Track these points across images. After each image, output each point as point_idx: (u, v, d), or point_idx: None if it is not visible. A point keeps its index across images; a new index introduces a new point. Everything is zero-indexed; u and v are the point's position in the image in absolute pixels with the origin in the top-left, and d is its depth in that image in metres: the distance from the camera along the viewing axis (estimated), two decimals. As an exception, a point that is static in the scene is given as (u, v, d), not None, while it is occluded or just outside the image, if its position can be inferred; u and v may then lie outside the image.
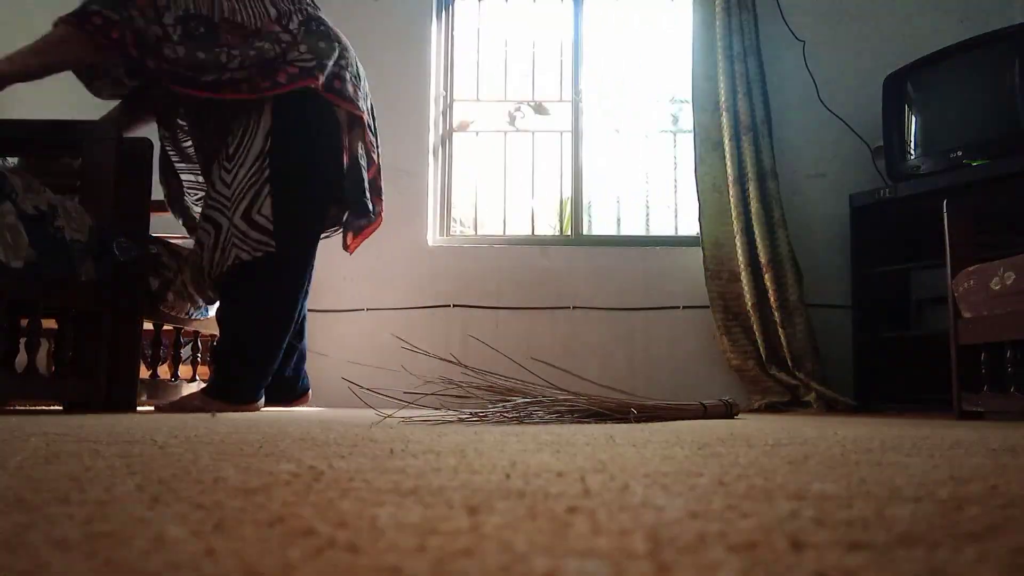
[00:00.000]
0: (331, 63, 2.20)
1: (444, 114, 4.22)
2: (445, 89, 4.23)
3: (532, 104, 4.28)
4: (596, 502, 0.51)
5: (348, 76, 2.29)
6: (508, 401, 1.71)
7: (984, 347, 2.38)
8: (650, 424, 1.69)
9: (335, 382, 2.71)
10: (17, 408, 2.44)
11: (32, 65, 2.09)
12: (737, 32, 3.78)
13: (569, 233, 4.15)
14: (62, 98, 3.67)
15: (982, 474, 0.70)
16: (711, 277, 3.74)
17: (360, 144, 2.36)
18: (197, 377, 2.89)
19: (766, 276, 3.63)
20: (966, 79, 3.28)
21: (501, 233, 4.15)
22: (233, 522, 0.42)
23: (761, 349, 3.61)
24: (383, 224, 4.03)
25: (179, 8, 2.10)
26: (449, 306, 3.92)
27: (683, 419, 1.93)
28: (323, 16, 2.35)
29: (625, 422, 1.71)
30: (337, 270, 4.00)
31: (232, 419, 1.86)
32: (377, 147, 2.43)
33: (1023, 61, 2.99)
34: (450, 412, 1.72)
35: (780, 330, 3.59)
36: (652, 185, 4.18)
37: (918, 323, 3.40)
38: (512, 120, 4.30)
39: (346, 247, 2.62)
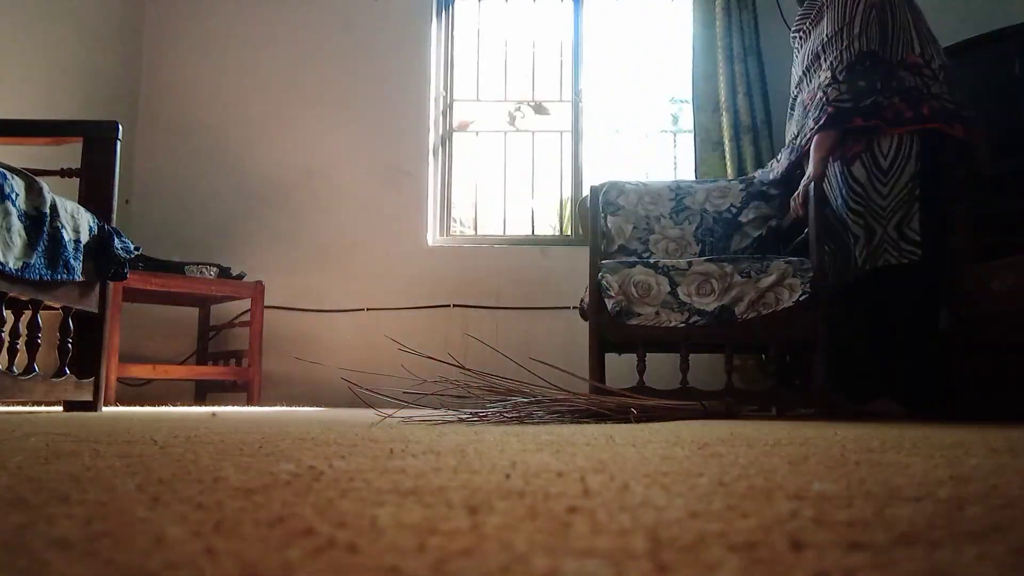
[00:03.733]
0: (966, 112, 2.47)
1: (444, 114, 4.22)
2: (445, 89, 4.23)
3: (532, 104, 4.28)
4: (596, 502, 0.51)
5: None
6: (508, 401, 1.71)
7: (985, 347, 2.38)
8: (650, 424, 1.69)
9: (335, 382, 2.71)
10: (17, 408, 2.44)
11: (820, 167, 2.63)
12: (737, 32, 3.78)
13: (569, 233, 4.15)
14: (64, 97, 3.68)
15: (982, 474, 0.70)
16: (711, 277, 3.74)
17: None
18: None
19: (766, 276, 3.62)
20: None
21: (501, 233, 4.15)
22: (233, 522, 0.42)
23: (761, 349, 3.61)
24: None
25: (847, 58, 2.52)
26: (449, 306, 3.92)
27: (683, 419, 1.93)
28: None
29: (625, 422, 1.71)
30: (337, 270, 4.01)
31: (232, 419, 1.86)
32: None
33: (1023, 61, 2.99)
34: (450, 412, 1.72)
35: (780, 330, 3.59)
36: (652, 185, 4.17)
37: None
38: (512, 120, 4.30)
39: None
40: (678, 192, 3.06)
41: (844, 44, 2.51)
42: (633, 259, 2.72)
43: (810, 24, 2.74)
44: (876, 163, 2.50)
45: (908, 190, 2.46)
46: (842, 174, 2.61)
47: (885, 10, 2.50)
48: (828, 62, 2.56)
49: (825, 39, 2.60)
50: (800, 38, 2.81)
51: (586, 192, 4.11)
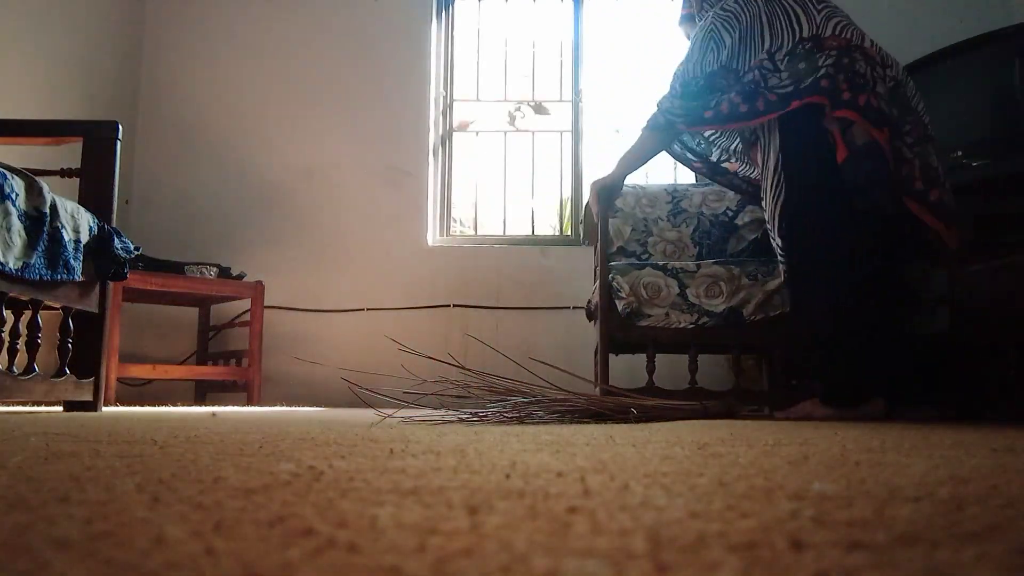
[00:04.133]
0: (812, 79, 2.28)
1: (444, 114, 4.22)
2: (445, 89, 4.23)
3: (532, 104, 4.28)
4: (596, 502, 0.51)
5: (840, 80, 2.28)
6: (508, 401, 1.71)
7: (984, 347, 2.37)
8: (650, 424, 1.69)
9: (335, 382, 2.71)
10: (17, 408, 2.44)
11: (631, 166, 2.64)
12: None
13: (569, 233, 4.15)
14: (64, 97, 3.67)
15: (982, 474, 0.70)
16: (711, 277, 3.74)
17: (864, 136, 2.30)
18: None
19: (766, 276, 3.62)
20: (966, 79, 3.28)
21: (501, 233, 4.15)
22: (233, 522, 0.42)
23: (761, 349, 3.61)
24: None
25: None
26: (449, 306, 3.92)
27: (683, 419, 1.93)
28: (832, 25, 2.38)
29: (625, 422, 1.71)
30: (337, 270, 4.01)
31: (232, 419, 1.86)
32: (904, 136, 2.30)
33: (1023, 61, 2.99)
34: (450, 412, 1.72)
35: (780, 330, 3.59)
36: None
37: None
38: (512, 120, 4.30)
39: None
40: (675, 195, 3.08)
41: (685, 69, 2.46)
42: (642, 261, 2.75)
43: None
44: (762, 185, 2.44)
45: (773, 194, 2.36)
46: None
47: (729, 26, 2.42)
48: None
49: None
50: None
51: (587, 191, 4.12)
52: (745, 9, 2.43)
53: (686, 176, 4.02)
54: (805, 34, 2.36)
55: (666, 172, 4.17)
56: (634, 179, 3.68)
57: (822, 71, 2.26)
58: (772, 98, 2.28)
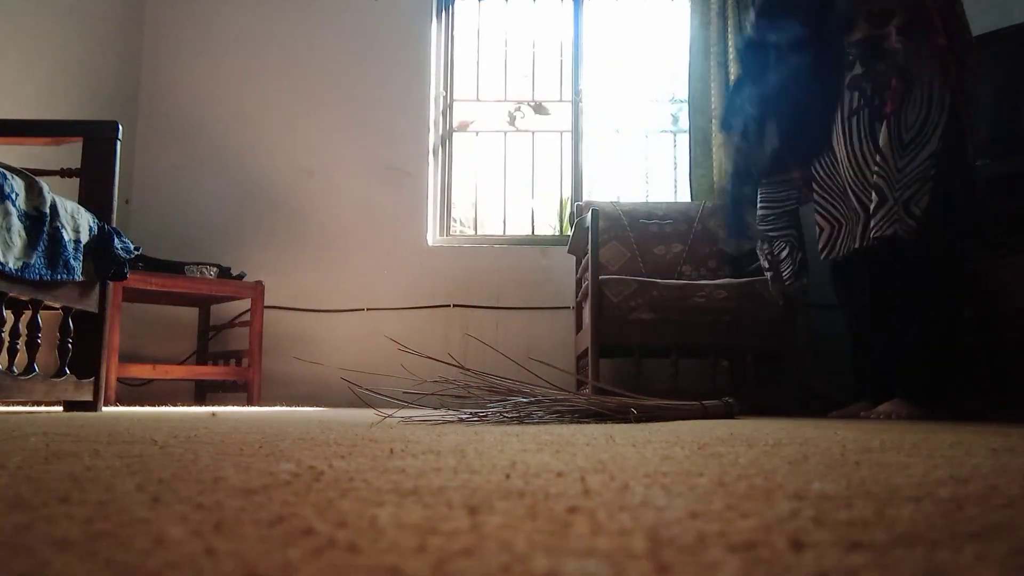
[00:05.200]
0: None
1: (444, 114, 4.22)
2: (445, 89, 4.23)
3: (532, 104, 4.28)
4: (596, 502, 0.51)
5: None
6: (508, 401, 1.71)
7: (985, 347, 2.37)
8: (650, 424, 1.69)
9: (335, 382, 2.70)
10: (17, 408, 2.44)
11: None
12: (735, 34, 3.77)
13: (569, 233, 4.15)
14: (64, 97, 3.67)
15: (982, 474, 0.70)
16: (711, 277, 3.76)
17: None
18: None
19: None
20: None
21: (501, 233, 4.15)
22: (233, 522, 0.42)
23: (761, 349, 3.63)
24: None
25: None
26: (449, 306, 3.92)
27: (683, 419, 1.93)
28: None
29: (625, 422, 1.71)
30: (337, 270, 4.01)
31: (232, 419, 1.86)
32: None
33: (1023, 61, 2.98)
34: (450, 412, 1.72)
35: (780, 330, 3.60)
36: (652, 185, 4.18)
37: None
38: (512, 120, 4.30)
39: None
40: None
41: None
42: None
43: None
44: (899, 136, 2.51)
45: (924, 168, 2.46)
46: (870, 137, 2.57)
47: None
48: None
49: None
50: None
51: (587, 191, 4.12)
52: None
53: (686, 173, 4.02)
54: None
55: (666, 169, 4.17)
56: (638, 176, 3.71)
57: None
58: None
